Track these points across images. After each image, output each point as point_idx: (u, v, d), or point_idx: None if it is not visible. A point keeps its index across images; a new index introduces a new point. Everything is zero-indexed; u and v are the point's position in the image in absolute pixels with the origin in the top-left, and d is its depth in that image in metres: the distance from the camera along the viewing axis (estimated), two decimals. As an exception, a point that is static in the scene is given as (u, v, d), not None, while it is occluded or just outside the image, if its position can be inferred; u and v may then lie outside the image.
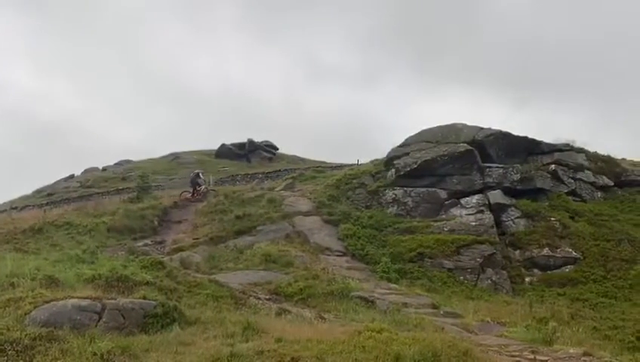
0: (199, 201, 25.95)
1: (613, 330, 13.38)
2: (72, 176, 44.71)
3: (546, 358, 8.63)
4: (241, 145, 47.13)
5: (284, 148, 49.22)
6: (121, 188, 33.90)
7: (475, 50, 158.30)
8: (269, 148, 47.57)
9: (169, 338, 7.35)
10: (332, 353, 6.87)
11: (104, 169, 47.17)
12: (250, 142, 46.94)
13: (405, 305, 13.22)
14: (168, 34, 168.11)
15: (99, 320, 7.69)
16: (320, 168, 34.10)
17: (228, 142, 48.06)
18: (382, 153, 26.21)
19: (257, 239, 19.63)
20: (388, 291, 15.09)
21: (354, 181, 24.61)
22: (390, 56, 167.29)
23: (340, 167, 32.44)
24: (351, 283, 14.95)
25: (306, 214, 22.07)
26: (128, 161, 48.46)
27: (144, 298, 8.78)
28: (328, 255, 18.76)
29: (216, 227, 21.48)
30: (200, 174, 28.82)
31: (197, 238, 20.44)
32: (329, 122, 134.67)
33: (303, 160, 45.58)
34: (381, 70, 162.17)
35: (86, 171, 47.08)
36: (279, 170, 35.79)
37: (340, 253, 19.10)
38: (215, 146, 48.21)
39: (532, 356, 8.76)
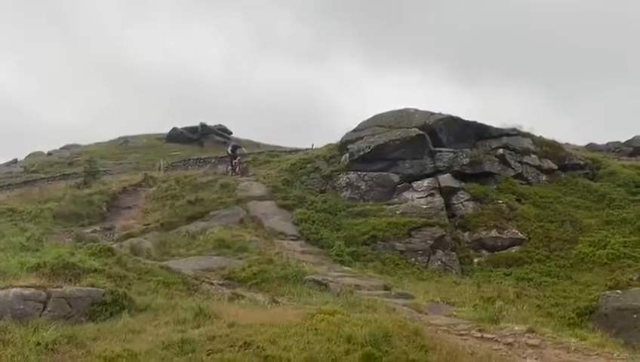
0: (241, 175, 25.35)
1: (556, 307, 13.95)
2: (15, 161, 43.00)
3: (492, 336, 8.94)
4: (193, 129, 46.23)
5: (237, 133, 48.66)
6: (67, 173, 32.82)
7: (428, 29, 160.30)
8: (223, 132, 46.84)
9: (118, 326, 7.21)
10: (285, 336, 6.91)
11: (49, 153, 45.55)
12: (203, 125, 46.10)
13: (358, 287, 13.39)
14: (103, 5, 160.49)
15: (43, 310, 7.47)
16: (274, 153, 33.91)
17: (179, 125, 47.18)
18: (336, 137, 26.33)
19: (210, 224, 19.40)
20: (341, 274, 15.24)
21: (308, 165, 24.60)
22: (342, 33, 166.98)
23: (295, 151, 32.36)
24: (305, 267, 15.03)
25: (260, 199, 21.95)
26: (75, 145, 46.92)
27: (92, 285, 8.58)
28: (282, 239, 18.75)
29: (168, 213, 21.11)
30: (239, 146, 28.21)
31: (147, 224, 20.05)
32: (282, 105, 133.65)
33: (257, 144, 45.15)
34: (333, 48, 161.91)
35: (30, 155, 45.44)
36: (232, 155, 35.35)
37: (295, 237, 19.11)
38: (166, 130, 47.19)
39: (479, 334, 9.07)
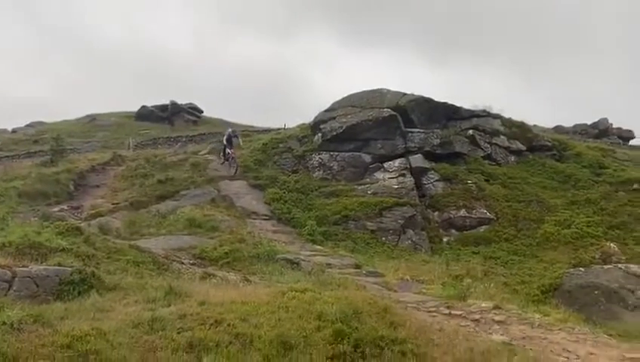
0: (235, 172, 22.08)
1: (521, 285, 14.28)
2: (-23, 139, 41.63)
3: (460, 312, 9.14)
4: (163, 108, 45.43)
5: (209, 112, 48.00)
6: (33, 151, 32.04)
7: (403, 9, 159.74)
8: (194, 110, 46.15)
9: (86, 305, 7.10)
10: (256, 314, 6.93)
11: (14, 131, 44.32)
12: (173, 104, 45.33)
13: (329, 265, 13.51)
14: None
15: (9, 289, 7.33)
16: (246, 132, 33.64)
17: (149, 103, 46.26)
18: (309, 117, 26.25)
19: (181, 204, 19.23)
20: (313, 253, 15.34)
21: (280, 145, 24.51)
22: (315, 11, 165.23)
23: (267, 131, 32.15)
24: (277, 246, 15.08)
25: (232, 178, 21.81)
26: (41, 123, 45.71)
27: (59, 265, 8.44)
28: (254, 219, 18.72)
29: (137, 192, 20.81)
30: (236, 135, 24.13)
31: (116, 203, 19.73)
32: (254, 84, 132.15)
33: (229, 124, 44.67)
34: (306, 26, 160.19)
35: (-7, 133, 44.07)
36: (204, 134, 35.00)
37: (267, 217, 19.11)
38: (135, 108, 46.27)
39: (447, 311, 9.26)
